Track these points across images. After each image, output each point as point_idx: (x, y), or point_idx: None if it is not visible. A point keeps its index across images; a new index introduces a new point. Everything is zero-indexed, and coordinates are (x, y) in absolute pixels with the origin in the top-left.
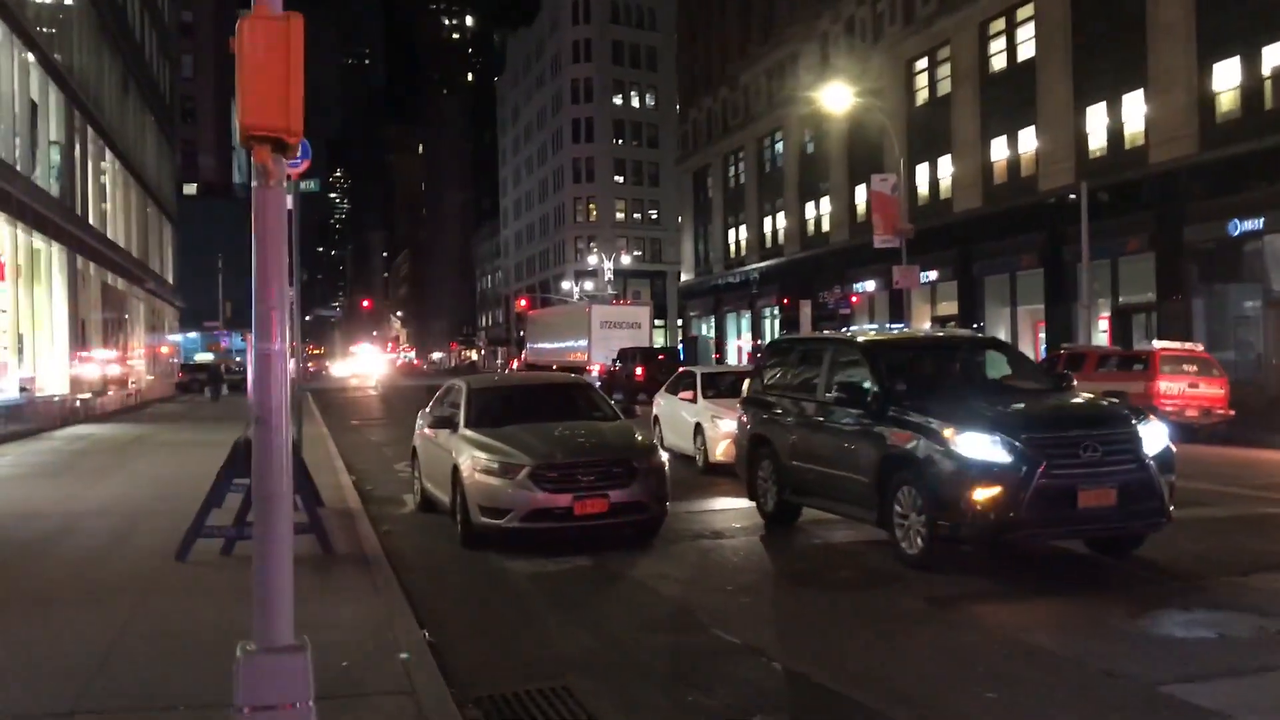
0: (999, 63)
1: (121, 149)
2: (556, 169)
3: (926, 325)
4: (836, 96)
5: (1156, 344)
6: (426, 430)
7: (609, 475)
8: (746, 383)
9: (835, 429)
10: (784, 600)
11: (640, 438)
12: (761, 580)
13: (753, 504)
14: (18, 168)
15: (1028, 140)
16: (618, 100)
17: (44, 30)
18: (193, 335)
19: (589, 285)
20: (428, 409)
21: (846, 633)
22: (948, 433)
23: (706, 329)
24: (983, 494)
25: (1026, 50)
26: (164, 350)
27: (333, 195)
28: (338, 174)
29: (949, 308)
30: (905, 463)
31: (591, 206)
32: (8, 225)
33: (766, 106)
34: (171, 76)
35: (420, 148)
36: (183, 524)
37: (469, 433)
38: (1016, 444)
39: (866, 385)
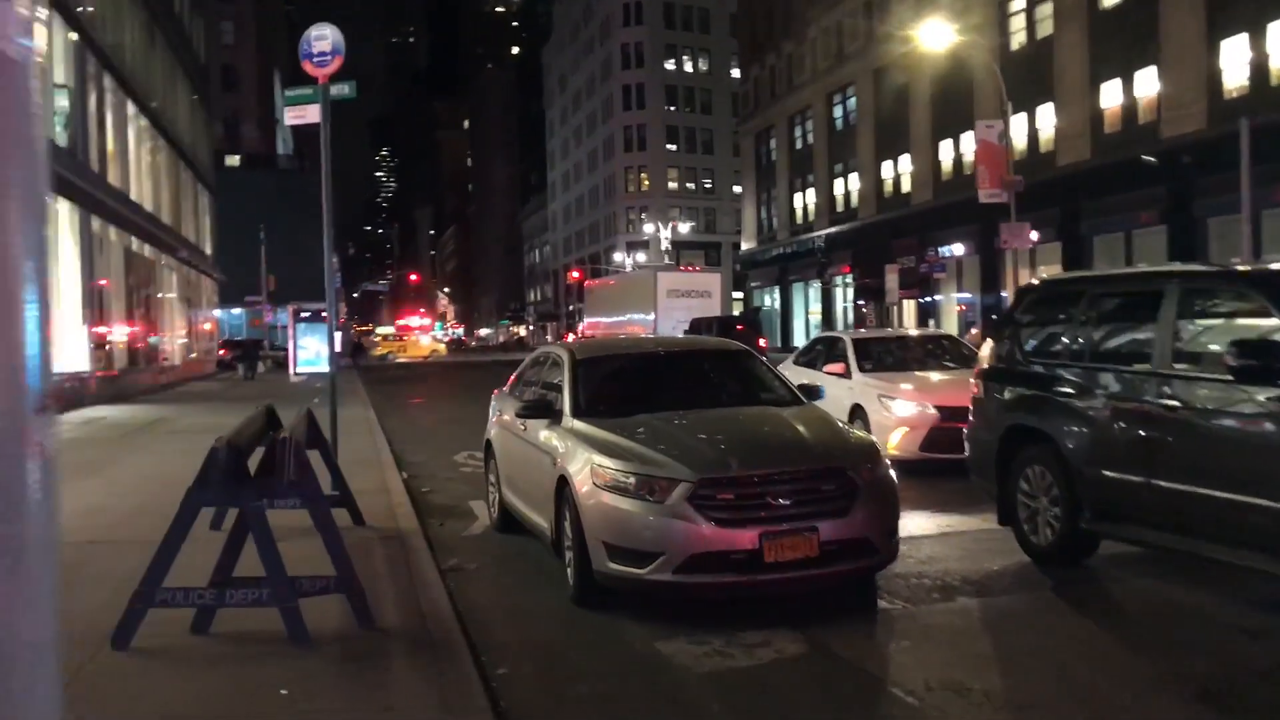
0: None
1: (147, 104)
2: (606, 138)
3: None
4: (935, 34)
5: None
6: (508, 418)
7: (814, 496)
8: (986, 347)
9: (1214, 418)
10: None
11: (854, 432)
12: (1118, 687)
13: (1001, 527)
14: None
15: (1147, 82)
16: (670, 65)
17: None
18: (237, 311)
19: (641, 256)
20: (506, 388)
21: None
22: None
23: (770, 300)
24: None
25: None
26: (205, 325)
27: (379, 174)
28: (384, 153)
29: (1051, 271)
30: None
31: (643, 176)
32: None
33: (836, 60)
34: (206, 36)
35: (466, 123)
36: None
37: (582, 425)
38: None
39: None
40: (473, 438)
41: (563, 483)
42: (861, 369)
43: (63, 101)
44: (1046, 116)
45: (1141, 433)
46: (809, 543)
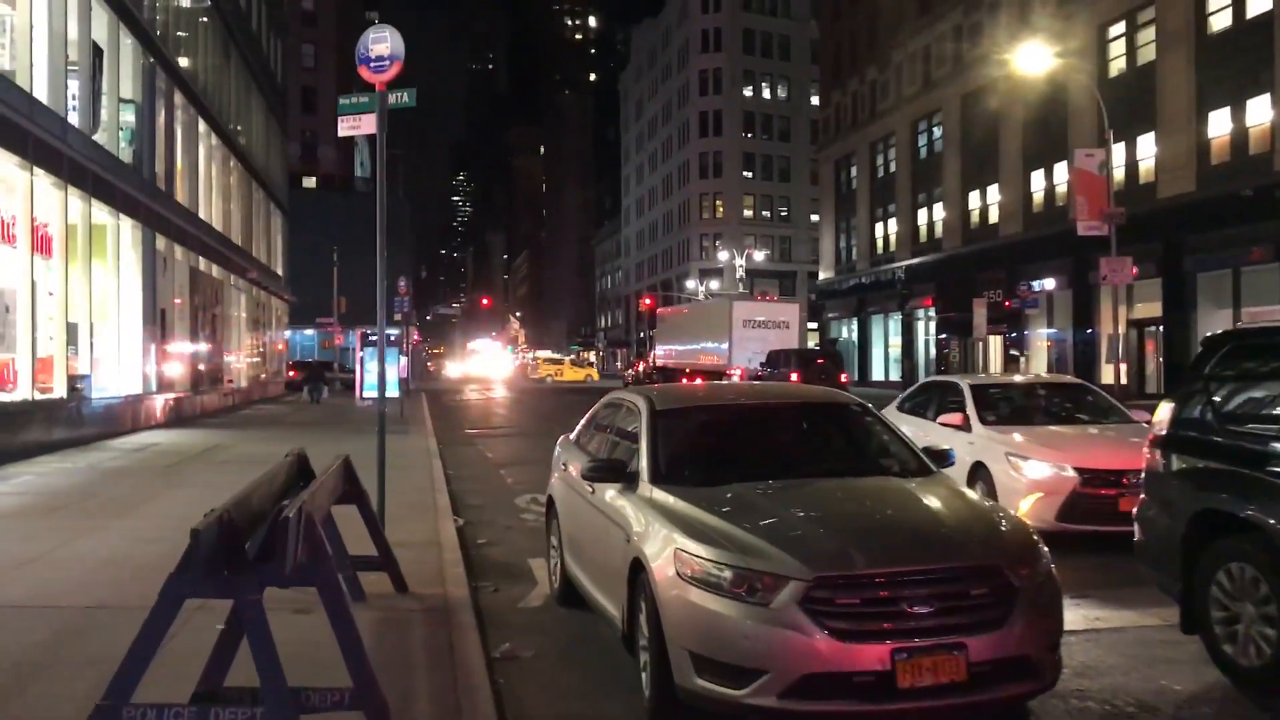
0: (1221, 21)
1: (219, 122)
2: (682, 164)
3: (1122, 330)
4: (1032, 59)
5: None
6: (573, 473)
7: (962, 602)
8: (1164, 409)
9: None
10: None
11: (1004, 514)
12: None
13: (1180, 632)
14: (72, 120)
15: (1259, 111)
16: (748, 92)
17: None
18: (309, 332)
19: (714, 284)
20: (573, 436)
21: None
22: None
23: (846, 332)
24: None
25: (1259, 4)
26: (277, 346)
27: (456, 198)
28: (460, 177)
29: (1148, 309)
30: None
31: (718, 203)
32: (55, 189)
33: (923, 86)
34: (284, 55)
35: (542, 149)
36: None
37: (662, 495)
38: None
39: None
40: (538, 480)
41: (638, 566)
42: (984, 420)
43: (129, 116)
44: (1147, 146)
45: None
46: (955, 663)
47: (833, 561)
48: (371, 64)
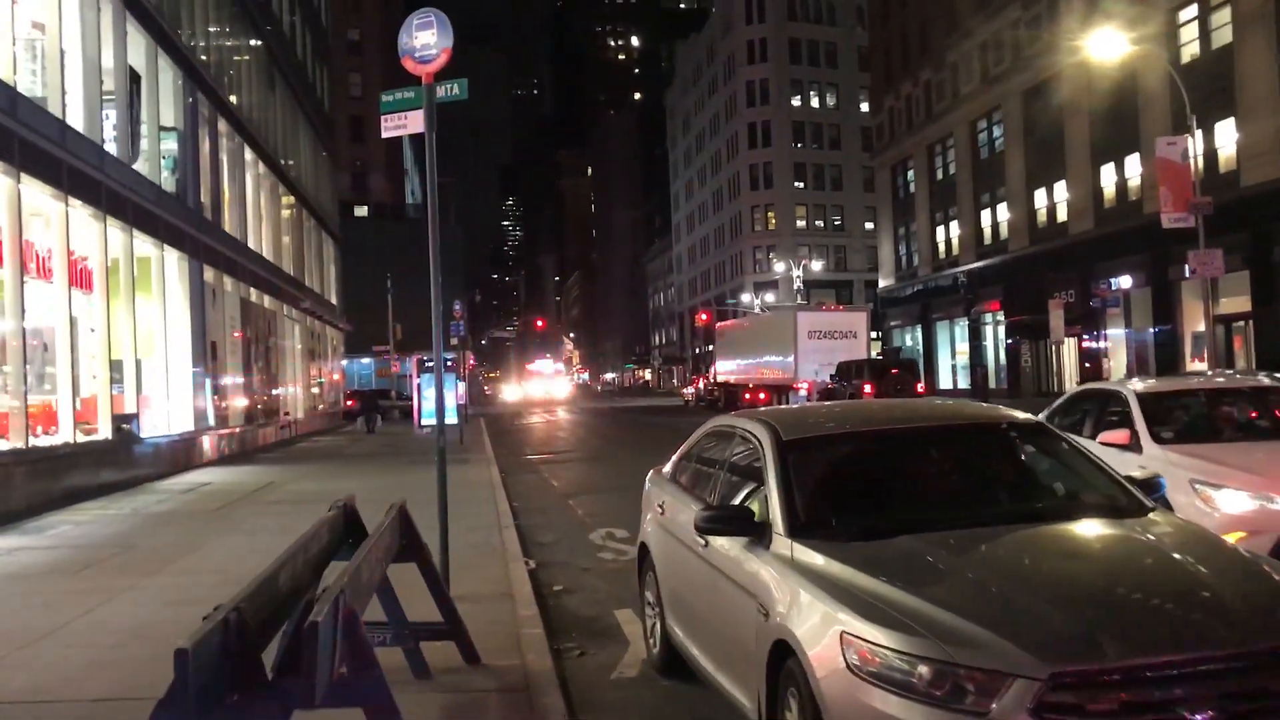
0: None
1: (266, 150)
2: (731, 176)
3: (1200, 327)
4: (1104, 46)
5: None
6: (674, 518)
7: (1257, 702)
8: None
9: None
10: None
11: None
12: None
13: None
14: (109, 149)
15: None
16: (796, 101)
17: None
18: (365, 360)
19: (770, 297)
20: (668, 469)
21: None
22: None
23: (910, 340)
24: None
25: None
26: (334, 376)
27: (505, 223)
28: (509, 202)
29: (1235, 304)
30: None
31: (770, 214)
32: (93, 220)
33: (981, 84)
34: (332, 86)
35: (589, 170)
36: None
37: (809, 555)
38: None
39: None
40: (611, 512)
41: (783, 650)
42: (1157, 438)
43: (170, 144)
44: (1227, 133)
45: None
46: None
47: (1074, 651)
48: (416, 54)
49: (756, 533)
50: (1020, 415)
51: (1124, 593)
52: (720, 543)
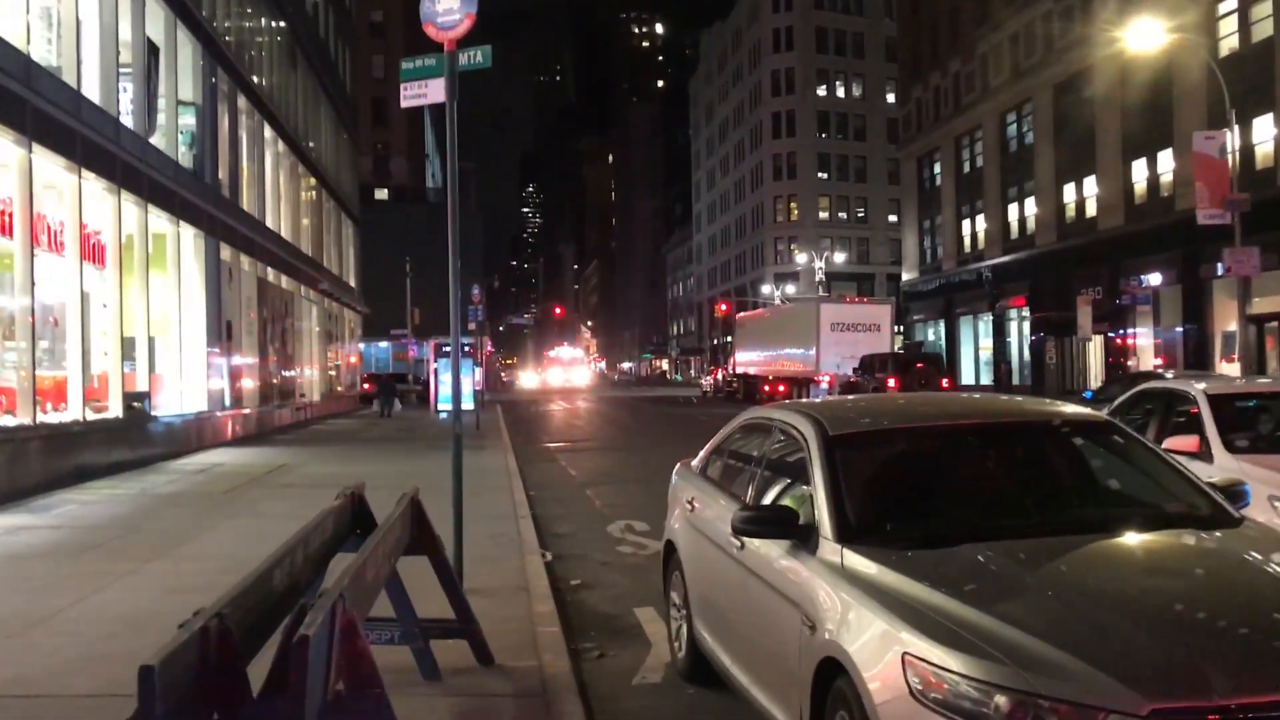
0: None
1: (287, 129)
2: (754, 166)
3: (1230, 326)
4: (1141, 37)
5: None
6: (704, 513)
7: None
8: None
9: None
10: None
11: None
12: None
13: None
14: (125, 122)
15: None
16: (821, 91)
17: None
18: (383, 344)
19: (790, 288)
20: (696, 463)
21: None
22: None
23: (933, 335)
24: None
25: None
26: (351, 359)
27: (525, 210)
28: (530, 189)
29: (1269, 304)
30: None
31: (793, 205)
32: (107, 194)
33: (1011, 76)
34: (355, 67)
35: (610, 158)
36: None
37: (862, 563)
38: None
39: None
40: (630, 502)
41: (832, 667)
42: (1230, 446)
43: (188, 119)
44: (1265, 129)
45: None
46: None
47: (1177, 685)
48: (439, 19)
49: (801, 536)
50: (1089, 412)
51: (1228, 618)
52: (757, 545)
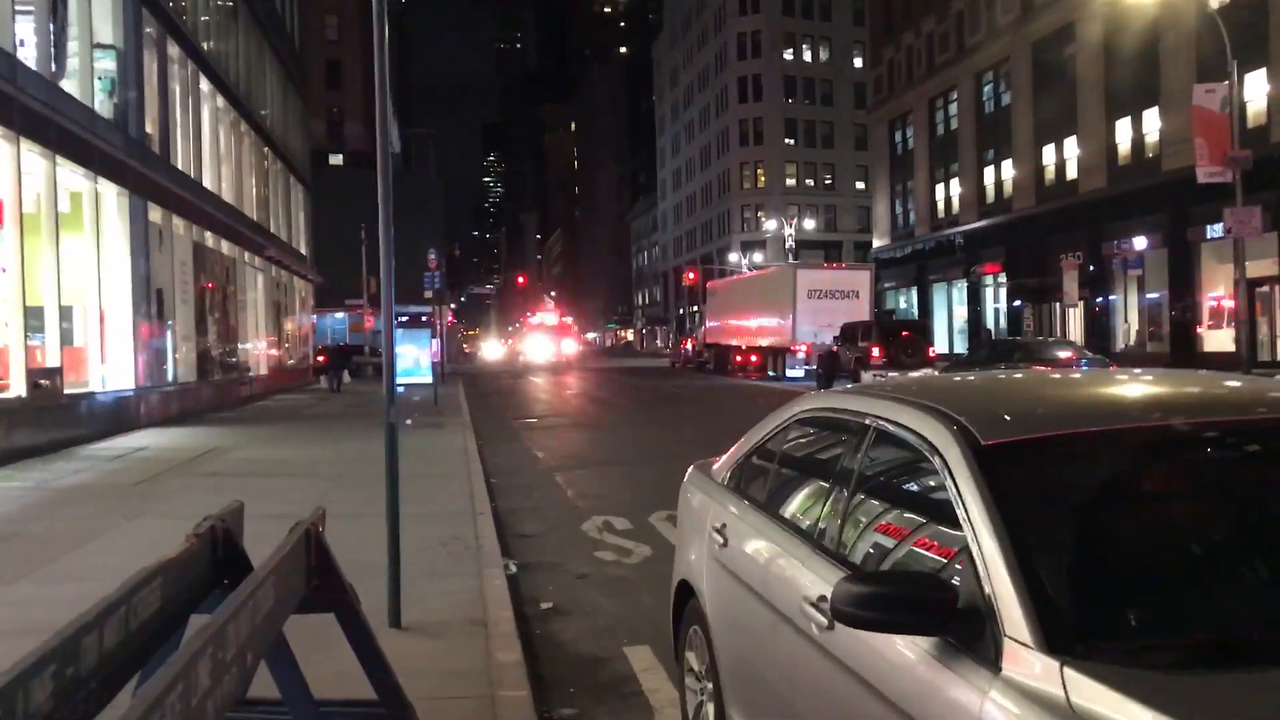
0: None
1: (226, 82)
2: (720, 132)
3: (1220, 290)
4: None
5: None
6: (751, 561)
7: None
8: None
9: None
10: None
11: None
12: None
13: None
14: (25, 59)
15: None
16: (788, 55)
17: None
18: (339, 315)
19: (758, 256)
20: (724, 467)
21: None
22: None
23: (905, 303)
24: None
25: None
26: (303, 330)
27: (487, 179)
28: (491, 158)
29: (1260, 268)
30: None
31: (760, 171)
32: (4, 142)
33: (987, 35)
34: (305, 24)
35: (573, 125)
36: None
37: (1119, 713)
38: None
39: None
40: (605, 492)
41: None
42: None
43: (107, 64)
44: (1257, 85)
45: None
46: None
47: None
48: None
49: (967, 635)
50: None
51: None
52: (872, 635)
